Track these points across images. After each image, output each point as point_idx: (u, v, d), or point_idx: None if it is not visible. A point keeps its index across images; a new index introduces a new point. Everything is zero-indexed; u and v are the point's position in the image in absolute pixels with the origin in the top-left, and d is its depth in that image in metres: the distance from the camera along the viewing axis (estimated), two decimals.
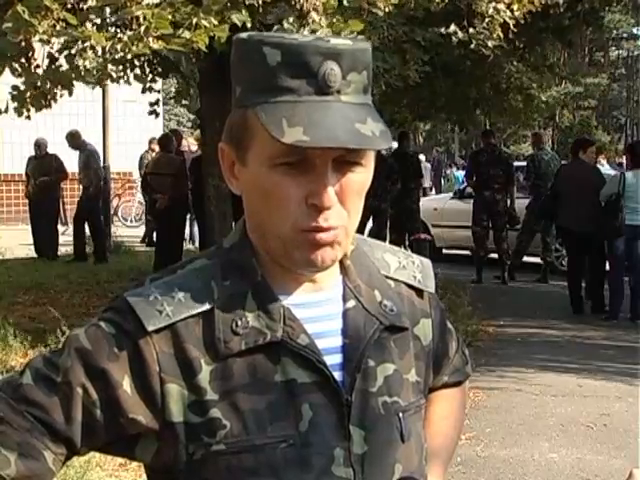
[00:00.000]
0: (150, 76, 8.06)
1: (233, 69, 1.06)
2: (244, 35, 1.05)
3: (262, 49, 1.00)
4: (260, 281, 1.07)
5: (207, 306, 1.05)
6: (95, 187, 11.15)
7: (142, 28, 4.45)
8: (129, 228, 15.77)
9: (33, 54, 5.66)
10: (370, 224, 10.63)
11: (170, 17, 4.49)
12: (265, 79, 1.00)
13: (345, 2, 4.92)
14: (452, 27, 6.78)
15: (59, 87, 5.87)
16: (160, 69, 8.22)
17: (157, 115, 8.85)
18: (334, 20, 4.90)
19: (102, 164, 13.02)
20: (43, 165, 11.19)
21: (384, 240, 10.01)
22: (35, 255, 11.58)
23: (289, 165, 1.00)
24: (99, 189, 11.36)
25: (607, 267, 8.51)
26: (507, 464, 4.52)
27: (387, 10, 5.06)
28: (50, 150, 11.44)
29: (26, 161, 11.89)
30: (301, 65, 0.99)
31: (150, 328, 1.02)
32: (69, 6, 4.55)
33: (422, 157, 17.29)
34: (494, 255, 10.49)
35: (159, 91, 7.95)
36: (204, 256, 1.12)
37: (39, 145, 11.43)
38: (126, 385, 1.02)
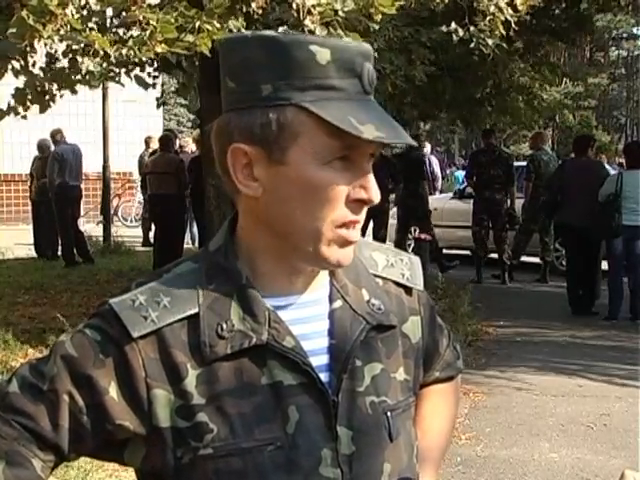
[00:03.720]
0: (151, 73, 8.05)
1: (256, 69, 1.02)
2: (269, 33, 1.03)
3: (309, 47, 1.00)
4: (245, 284, 1.06)
5: (192, 310, 1.04)
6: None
7: (147, 33, 4.45)
8: (129, 228, 15.78)
9: (34, 53, 5.66)
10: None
11: (174, 21, 4.49)
12: (315, 77, 1.00)
13: (341, 13, 4.91)
14: (452, 25, 6.78)
15: (59, 87, 5.88)
16: (161, 66, 8.22)
17: (165, 104, 8.86)
18: (333, 31, 4.90)
19: (102, 164, 13.05)
20: (45, 166, 11.13)
21: (384, 240, 10.03)
22: (35, 255, 11.59)
23: (340, 160, 1.02)
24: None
25: (605, 267, 8.51)
26: (507, 464, 4.52)
27: (380, 18, 5.07)
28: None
29: (31, 160, 11.83)
30: (349, 65, 1.01)
31: (135, 334, 1.02)
32: (73, 10, 4.54)
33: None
34: (494, 255, 10.49)
35: (163, 84, 7.95)
36: (190, 259, 1.11)
37: (41, 146, 11.38)
38: (112, 391, 1.02)
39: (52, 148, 11.15)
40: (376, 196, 1.04)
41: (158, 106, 8.80)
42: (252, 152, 1.03)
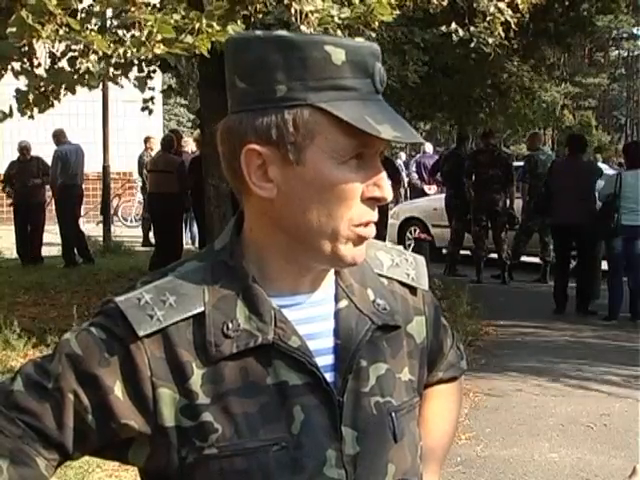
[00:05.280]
0: (146, 73, 8.03)
1: (270, 69, 1.01)
2: (283, 33, 1.03)
3: (324, 47, 1.00)
4: (251, 283, 1.06)
5: (198, 309, 1.04)
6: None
7: (145, 32, 4.46)
8: (129, 228, 15.78)
9: (35, 55, 5.66)
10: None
11: (173, 22, 4.50)
12: (330, 77, 1.00)
13: (337, 19, 4.92)
14: (453, 25, 6.80)
15: (62, 88, 5.88)
16: (158, 67, 8.22)
17: (150, 112, 8.79)
18: (331, 32, 4.92)
19: (102, 164, 13.05)
20: (29, 168, 11.02)
21: (384, 239, 10.06)
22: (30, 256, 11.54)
23: (355, 159, 1.02)
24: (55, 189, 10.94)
25: (605, 267, 8.51)
26: (507, 464, 4.52)
27: (377, 25, 5.10)
28: (51, 150, 11.37)
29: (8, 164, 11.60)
30: (362, 65, 1.02)
31: (141, 333, 1.02)
32: (72, 10, 4.55)
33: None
34: (494, 255, 10.50)
35: (153, 88, 7.89)
36: (195, 258, 1.11)
37: (26, 147, 11.16)
38: (117, 390, 1.02)
39: (46, 149, 11.13)
40: (389, 194, 1.05)
41: (143, 110, 8.71)
42: (266, 153, 1.02)
